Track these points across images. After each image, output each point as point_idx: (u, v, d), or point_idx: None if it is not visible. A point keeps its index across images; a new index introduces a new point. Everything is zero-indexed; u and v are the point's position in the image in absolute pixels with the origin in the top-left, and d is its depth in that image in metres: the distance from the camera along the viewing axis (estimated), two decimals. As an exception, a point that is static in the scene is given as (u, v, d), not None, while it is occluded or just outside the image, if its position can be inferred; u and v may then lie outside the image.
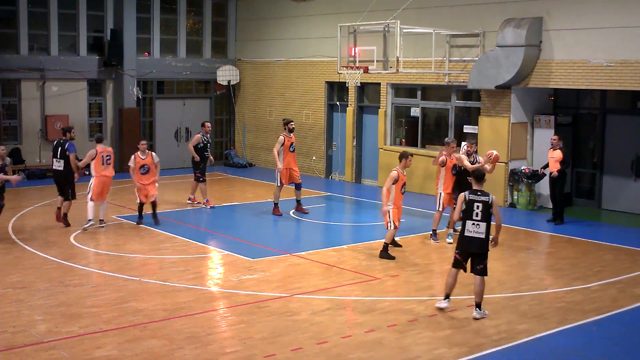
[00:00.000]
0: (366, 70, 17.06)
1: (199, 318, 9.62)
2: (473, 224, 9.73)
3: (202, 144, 17.14)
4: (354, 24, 17.56)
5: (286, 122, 16.67)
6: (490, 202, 9.72)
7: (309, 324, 9.41)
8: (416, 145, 20.11)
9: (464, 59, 18.66)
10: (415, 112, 20.37)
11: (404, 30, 17.09)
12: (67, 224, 14.97)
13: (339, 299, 10.59)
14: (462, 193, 9.96)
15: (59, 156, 15.11)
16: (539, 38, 17.03)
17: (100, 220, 15.06)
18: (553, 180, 16.08)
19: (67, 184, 15.09)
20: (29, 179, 21.51)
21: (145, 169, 15.09)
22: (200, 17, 25.46)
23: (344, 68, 17.51)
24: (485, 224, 9.72)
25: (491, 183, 17.72)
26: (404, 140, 20.82)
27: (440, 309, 9.96)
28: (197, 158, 16.99)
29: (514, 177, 17.76)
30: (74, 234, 14.36)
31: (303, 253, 13.18)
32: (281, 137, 16.48)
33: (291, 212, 16.82)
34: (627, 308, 10.33)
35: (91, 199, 14.75)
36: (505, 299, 10.62)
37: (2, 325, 9.22)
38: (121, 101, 23.19)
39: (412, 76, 19.71)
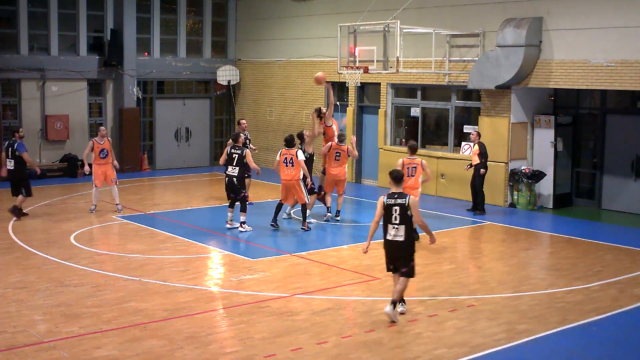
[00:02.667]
0: (366, 70, 17.06)
1: (199, 318, 9.62)
2: (393, 227, 9.57)
3: (246, 141, 16.68)
4: (354, 24, 17.56)
5: (300, 136, 16.09)
6: (407, 204, 9.50)
7: (309, 324, 9.41)
8: (416, 145, 20.09)
9: (464, 59, 18.66)
10: (415, 112, 20.37)
11: (404, 30, 17.09)
12: (18, 216, 15.63)
13: (339, 299, 10.59)
14: (381, 197, 9.76)
15: (10, 156, 15.83)
16: (539, 38, 17.03)
17: (116, 204, 16.68)
18: (473, 173, 17.03)
19: (19, 181, 15.80)
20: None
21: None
22: (200, 17, 25.47)
23: (344, 68, 17.51)
24: (404, 226, 9.51)
25: (491, 183, 17.78)
26: (404, 140, 20.82)
27: (402, 313, 9.76)
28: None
29: (514, 177, 17.76)
30: (74, 234, 14.37)
31: (303, 253, 13.18)
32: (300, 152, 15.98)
33: (292, 212, 16.82)
34: (627, 308, 10.33)
35: (95, 186, 16.48)
36: (505, 299, 10.62)
37: (2, 325, 9.22)
38: (121, 101, 23.20)
39: (412, 76, 19.72)
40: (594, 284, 11.44)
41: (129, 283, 11.15)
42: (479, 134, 17.22)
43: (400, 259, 9.66)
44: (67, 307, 9.96)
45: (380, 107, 20.93)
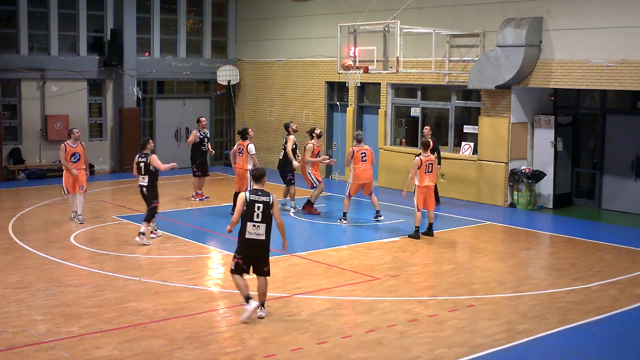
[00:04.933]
0: (366, 70, 17.06)
1: (199, 318, 9.62)
2: (254, 225, 9.34)
3: (198, 139, 17.85)
4: (354, 24, 17.55)
5: (312, 131, 16.94)
6: (270, 202, 9.35)
7: (309, 324, 9.41)
8: (416, 145, 20.08)
9: (464, 59, 18.66)
10: (415, 112, 20.37)
11: (404, 30, 17.09)
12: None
13: (339, 299, 10.59)
14: (242, 193, 9.53)
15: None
16: (539, 38, 17.03)
17: (77, 215, 15.48)
18: None
19: None
20: (28, 179, 21.51)
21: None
22: (200, 17, 25.47)
23: (344, 68, 17.51)
24: (265, 225, 9.35)
25: (491, 183, 17.78)
26: (404, 140, 20.83)
27: (253, 310, 9.53)
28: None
29: (514, 177, 17.76)
30: (74, 234, 14.36)
31: (303, 253, 13.18)
32: (310, 145, 16.68)
33: (291, 212, 16.83)
34: (627, 308, 10.33)
35: (66, 192, 15.57)
36: (505, 299, 10.62)
37: (2, 325, 9.22)
38: (121, 101, 23.19)
39: (412, 76, 19.72)
40: (594, 284, 11.44)
41: (129, 283, 11.15)
42: (431, 129, 17.63)
43: (259, 257, 9.47)
44: (67, 307, 9.96)
45: (380, 107, 20.93)
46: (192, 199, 18.20)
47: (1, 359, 8.19)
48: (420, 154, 14.44)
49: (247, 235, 9.39)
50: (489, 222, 16.21)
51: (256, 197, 9.36)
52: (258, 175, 9.58)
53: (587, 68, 16.25)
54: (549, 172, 17.79)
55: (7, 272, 11.69)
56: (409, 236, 14.41)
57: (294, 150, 17.05)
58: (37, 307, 9.95)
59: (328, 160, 17.52)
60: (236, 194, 16.12)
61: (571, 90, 17.93)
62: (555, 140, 17.81)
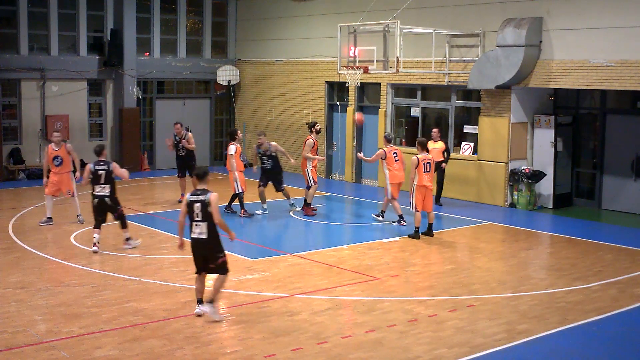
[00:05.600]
0: (366, 70, 17.06)
1: (199, 318, 9.61)
2: (195, 225, 9.41)
3: (175, 143, 18.30)
4: (354, 24, 17.56)
5: (312, 125, 16.79)
6: (207, 200, 9.32)
7: (309, 324, 9.41)
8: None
9: (464, 59, 18.66)
10: (415, 112, 20.38)
11: (404, 30, 17.09)
12: None
13: (339, 299, 10.59)
14: (187, 194, 9.61)
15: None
16: (539, 38, 17.03)
17: (76, 215, 15.49)
18: (435, 168, 17.20)
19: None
20: (28, 179, 21.52)
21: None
22: (200, 17, 25.47)
23: (344, 68, 17.52)
24: (205, 224, 9.35)
25: (491, 183, 17.78)
26: (404, 140, 20.82)
27: (199, 316, 9.57)
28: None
29: (514, 177, 17.76)
30: (74, 234, 14.36)
31: (303, 253, 13.18)
32: (310, 140, 16.51)
33: (291, 212, 16.83)
34: (627, 308, 10.33)
35: (45, 193, 15.24)
36: (505, 299, 10.62)
37: (2, 325, 9.22)
38: (121, 101, 23.20)
39: (412, 76, 19.71)
40: (594, 284, 11.44)
41: (129, 283, 11.15)
42: (440, 131, 18.16)
43: (206, 256, 9.51)
44: (67, 307, 9.96)
45: (380, 107, 20.92)
46: (179, 201, 17.91)
47: (1, 359, 8.19)
48: (417, 154, 14.44)
49: (192, 235, 9.48)
50: (489, 222, 16.21)
51: (195, 197, 9.39)
52: (200, 174, 9.57)
53: (587, 68, 16.25)
54: (549, 172, 17.79)
55: (7, 272, 11.69)
56: (409, 236, 14.41)
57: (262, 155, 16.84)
58: (37, 307, 9.95)
59: (322, 158, 17.79)
60: (233, 195, 16.69)
61: (571, 90, 17.93)
62: (555, 140, 17.81)
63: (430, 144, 17.33)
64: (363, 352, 8.51)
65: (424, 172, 14.23)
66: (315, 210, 16.70)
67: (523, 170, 17.62)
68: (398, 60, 16.55)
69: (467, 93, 19.18)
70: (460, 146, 19.20)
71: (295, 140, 23.53)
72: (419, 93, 20.23)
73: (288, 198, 17.01)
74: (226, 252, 13.14)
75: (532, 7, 17.19)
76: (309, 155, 16.42)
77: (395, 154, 15.69)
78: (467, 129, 19.12)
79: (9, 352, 8.32)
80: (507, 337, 9.06)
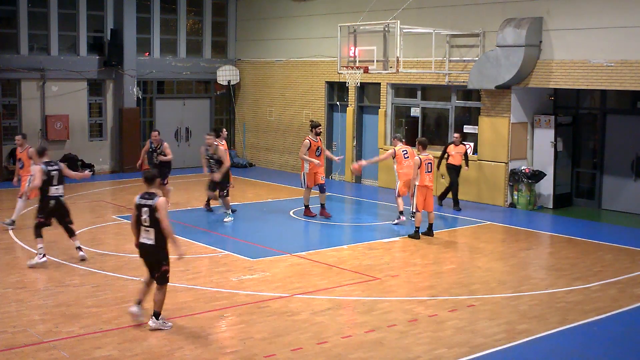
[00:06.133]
0: (366, 70, 17.06)
1: (199, 318, 9.62)
2: (144, 229, 9.04)
3: (149, 151, 17.03)
4: (354, 24, 17.56)
5: (313, 126, 16.25)
6: (154, 206, 8.92)
7: (309, 324, 9.41)
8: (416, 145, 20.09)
9: (464, 59, 18.67)
10: (415, 112, 20.38)
11: (404, 30, 17.09)
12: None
13: (339, 299, 10.59)
14: (136, 197, 9.21)
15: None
16: (539, 38, 17.03)
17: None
18: (457, 171, 17.43)
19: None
20: (29, 179, 21.50)
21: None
22: (200, 17, 25.47)
23: (344, 68, 17.51)
24: (154, 229, 8.97)
25: (491, 183, 17.78)
26: (404, 140, 20.76)
27: (133, 314, 9.33)
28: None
29: (514, 177, 17.76)
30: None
31: (303, 253, 13.18)
32: (306, 141, 16.04)
33: (291, 212, 16.84)
34: (627, 308, 10.33)
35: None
36: (505, 299, 10.62)
37: (2, 325, 9.22)
38: (121, 101, 23.20)
39: (412, 76, 19.72)
40: (594, 284, 11.44)
41: (129, 283, 11.15)
42: (461, 136, 17.82)
43: (151, 263, 9.16)
44: (67, 307, 9.96)
45: (380, 107, 20.93)
46: None
47: (1, 359, 8.19)
48: (418, 154, 14.46)
49: (140, 239, 9.17)
50: (489, 222, 16.21)
51: (143, 201, 9.04)
52: (148, 178, 9.20)
53: (587, 68, 16.25)
54: (549, 172, 17.79)
55: (7, 272, 11.68)
56: (409, 236, 14.41)
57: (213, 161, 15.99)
58: (37, 307, 9.95)
59: (317, 162, 16.11)
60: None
61: (571, 90, 17.93)
62: (555, 140, 17.81)
63: (452, 149, 17.44)
64: (363, 352, 8.51)
65: (426, 172, 14.23)
66: (315, 215, 16.28)
67: (523, 170, 17.62)
68: (398, 60, 16.56)
69: (467, 93, 19.18)
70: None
71: (295, 140, 23.53)
72: (419, 93, 20.23)
73: (227, 208, 15.98)
74: (226, 252, 13.22)
75: (532, 7, 17.19)
76: (304, 156, 15.99)
77: (405, 152, 15.83)
78: (467, 129, 19.12)
79: (9, 352, 8.32)
80: (507, 337, 9.06)
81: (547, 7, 16.93)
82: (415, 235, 14.33)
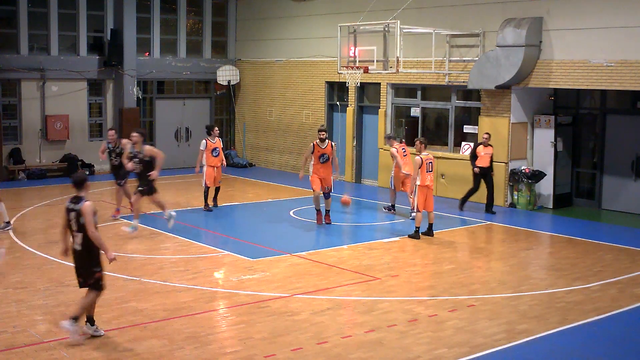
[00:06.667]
0: (366, 70, 17.06)
1: (199, 318, 9.62)
2: (74, 235, 8.70)
3: (108, 150, 16.23)
4: (354, 24, 17.56)
5: (318, 131, 15.73)
6: (79, 210, 8.58)
7: (309, 324, 9.41)
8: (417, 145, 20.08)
9: (464, 59, 18.66)
10: (415, 112, 20.37)
11: (404, 30, 17.09)
12: None
13: (339, 299, 10.59)
14: (67, 201, 8.85)
15: None
16: (539, 38, 17.03)
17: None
18: (483, 174, 16.96)
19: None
20: (29, 179, 21.52)
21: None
22: (200, 17, 25.47)
23: (344, 68, 17.51)
24: (81, 234, 8.62)
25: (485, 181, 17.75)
26: (404, 140, 20.77)
27: (95, 336, 8.86)
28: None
29: (514, 177, 17.76)
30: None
31: (303, 253, 13.17)
32: (311, 145, 15.64)
33: (291, 212, 16.84)
34: (627, 308, 10.33)
35: None
36: (505, 299, 10.62)
37: (2, 325, 9.22)
38: (121, 101, 23.20)
39: (412, 76, 19.71)
40: (594, 284, 11.44)
41: (129, 283, 11.14)
42: (490, 136, 17.17)
43: (79, 269, 8.86)
44: (67, 307, 9.95)
45: (380, 107, 20.92)
46: (113, 216, 16.09)
47: (1, 359, 8.19)
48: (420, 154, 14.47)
49: (72, 244, 8.86)
50: (489, 222, 16.21)
51: (72, 206, 8.70)
52: (76, 181, 8.81)
53: (587, 68, 16.25)
54: (549, 172, 17.79)
55: (7, 272, 11.68)
56: (409, 236, 14.41)
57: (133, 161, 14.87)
58: (37, 307, 9.95)
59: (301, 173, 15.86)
60: (206, 189, 17.02)
61: (571, 90, 17.93)
62: (555, 140, 17.81)
63: (481, 149, 16.94)
64: (363, 352, 8.51)
65: (427, 171, 14.24)
66: (321, 223, 15.64)
67: (523, 170, 17.62)
68: (398, 60, 16.55)
69: (467, 93, 19.18)
70: (460, 146, 19.20)
71: (295, 140, 23.55)
72: (419, 93, 20.23)
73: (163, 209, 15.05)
74: (226, 252, 13.22)
75: (532, 7, 17.19)
76: (306, 159, 15.70)
77: (403, 149, 16.37)
78: (467, 129, 19.12)
79: (9, 352, 8.32)
80: (507, 337, 9.06)
81: (547, 7, 16.93)
82: (415, 235, 14.33)
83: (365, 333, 9.12)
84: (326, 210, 15.85)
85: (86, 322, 8.86)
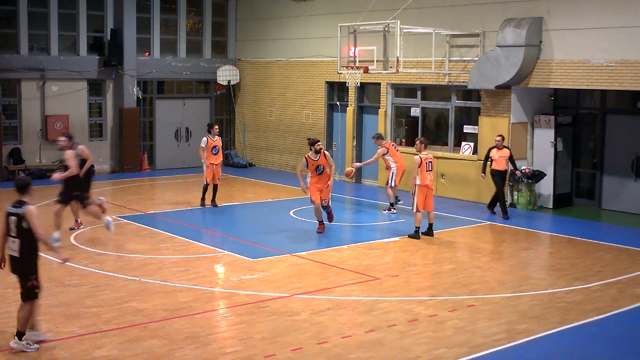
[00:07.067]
0: (366, 70, 17.06)
1: (199, 318, 9.62)
2: (12, 240, 8.40)
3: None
4: (354, 24, 17.56)
5: (310, 143, 14.54)
6: (22, 214, 8.31)
7: (309, 324, 9.41)
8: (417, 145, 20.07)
9: (464, 59, 18.66)
10: (415, 112, 20.37)
11: (404, 30, 17.09)
12: None
13: (339, 299, 10.59)
14: (7, 205, 8.57)
15: None
16: (539, 38, 17.03)
17: None
18: (502, 177, 16.70)
19: None
20: (29, 179, 21.49)
21: None
22: (200, 17, 25.47)
23: (344, 68, 17.51)
24: (19, 240, 8.32)
25: (491, 183, 17.75)
26: (404, 140, 20.82)
27: (37, 344, 8.54)
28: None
29: (514, 177, 17.75)
30: (74, 234, 14.36)
31: (303, 253, 13.17)
32: (304, 160, 14.64)
33: (291, 212, 16.84)
34: (627, 308, 10.33)
35: None
36: (505, 299, 10.62)
37: (2, 325, 9.23)
38: (121, 101, 23.20)
39: (412, 76, 19.71)
40: (594, 284, 11.44)
41: (129, 283, 11.14)
42: (503, 138, 16.75)
43: (18, 277, 8.53)
44: (67, 307, 9.96)
45: (380, 107, 20.92)
46: (72, 228, 14.84)
47: (1, 359, 8.18)
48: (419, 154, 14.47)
49: (8, 251, 8.53)
50: (489, 222, 16.21)
51: (13, 210, 8.43)
52: (19, 186, 8.61)
53: (587, 68, 16.25)
54: (549, 172, 17.78)
55: (7, 272, 11.65)
56: (409, 236, 14.41)
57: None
58: (37, 307, 9.93)
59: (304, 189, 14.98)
60: (205, 186, 17.27)
61: (571, 90, 17.93)
62: (555, 140, 17.81)
63: (495, 152, 16.56)
64: (363, 352, 8.51)
65: (426, 171, 14.23)
66: (322, 232, 15.00)
67: (523, 170, 17.61)
68: (398, 60, 16.55)
69: (467, 93, 19.18)
70: (460, 146, 19.19)
71: (295, 140, 23.55)
72: (419, 93, 20.22)
73: (99, 217, 14.18)
74: (226, 252, 13.22)
75: (532, 7, 17.19)
76: (300, 172, 14.89)
77: (394, 145, 17.06)
78: (467, 129, 19.12)
79: (9, 352, 8.32)
80: (507, 337, 9.06)
81: (547, 7, 16.93)
82: (415, 235, 14.33)
83: (365, 333, 9.12)
84: (327, 215, 15.08)
85: (16, 335, 8.42)
